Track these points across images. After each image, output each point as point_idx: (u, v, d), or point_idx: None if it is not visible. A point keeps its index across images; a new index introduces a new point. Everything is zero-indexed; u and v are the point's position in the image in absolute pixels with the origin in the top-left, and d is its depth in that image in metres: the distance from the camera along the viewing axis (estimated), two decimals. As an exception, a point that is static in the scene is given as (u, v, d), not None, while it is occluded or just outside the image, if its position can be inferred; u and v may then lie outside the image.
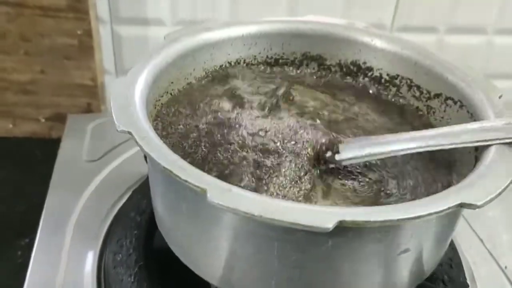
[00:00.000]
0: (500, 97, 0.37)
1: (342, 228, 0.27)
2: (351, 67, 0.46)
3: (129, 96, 0.34)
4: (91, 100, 0.62)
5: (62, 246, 0.41)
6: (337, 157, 0.35)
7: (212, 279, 0.33)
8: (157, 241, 0.37)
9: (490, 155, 0.32)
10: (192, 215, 0.32)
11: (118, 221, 0.43)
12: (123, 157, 0.50)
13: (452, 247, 0.43)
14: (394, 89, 0.45)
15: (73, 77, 0.61)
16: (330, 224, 0.26)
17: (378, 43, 0.44)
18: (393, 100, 0.45)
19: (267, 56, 0.46)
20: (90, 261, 0.40)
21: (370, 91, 0.45)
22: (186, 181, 0.27)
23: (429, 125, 0.42)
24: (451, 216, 0.33)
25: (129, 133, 0.30)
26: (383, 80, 0.45)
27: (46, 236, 0.42)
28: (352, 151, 0.35)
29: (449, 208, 0.28)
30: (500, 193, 0.29)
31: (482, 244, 0.46)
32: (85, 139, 0.54)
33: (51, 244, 0.41)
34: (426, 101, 0.42)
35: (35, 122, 0.64)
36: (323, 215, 0.26)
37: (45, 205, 0.45)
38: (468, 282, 0.42)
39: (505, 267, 0.44)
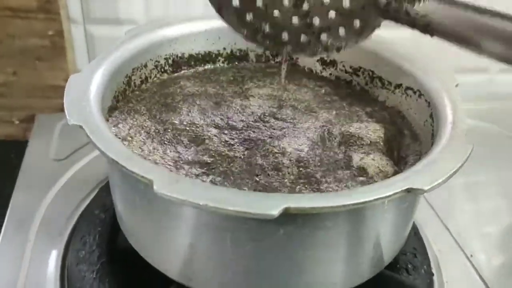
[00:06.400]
0: (456, 85, 0.38)
1: (291, 216, 0.27)
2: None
3: (83, 91, 0.34)
4: (65, 101, 0.62)
5: (26, 244, 0.41)
6: None
7: (170, 273, 0.33)
8: (121, 238, 0.37)
9: (442, 141, 0.32)
10: (145, 207, 0.32)
11: (83, 219, 0.43)
12: (90, 155, 0.50)
13: (418, 236, 0.44)
14: (357, 80, 0.45)
15: (46, 78, 0.60)
16: (275, 211, 0.26)
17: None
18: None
19: (231, 51, 0.46)
20: (53, 259, 0.40)
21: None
22: (132, 172, 0.27)
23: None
24: (407, 202, 0.33)
25: (80, 126, 0.30)
26: (347, 73, 0.45)
27: (10, 234, 0.42)
28: None
29: (396, 193, 0.28)
30: (447, 179, 0.29)
31: (449, 232, 0.46)
32: (53, 138, 0.54)
33: (15, 243, 0.41)
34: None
35: (9, 124, 0.63)
36: (269, 203, 0.26)
37: (10, 204, 0.45)
38: (433, 270, 0.42)
39: (471, 255, 0.44)
